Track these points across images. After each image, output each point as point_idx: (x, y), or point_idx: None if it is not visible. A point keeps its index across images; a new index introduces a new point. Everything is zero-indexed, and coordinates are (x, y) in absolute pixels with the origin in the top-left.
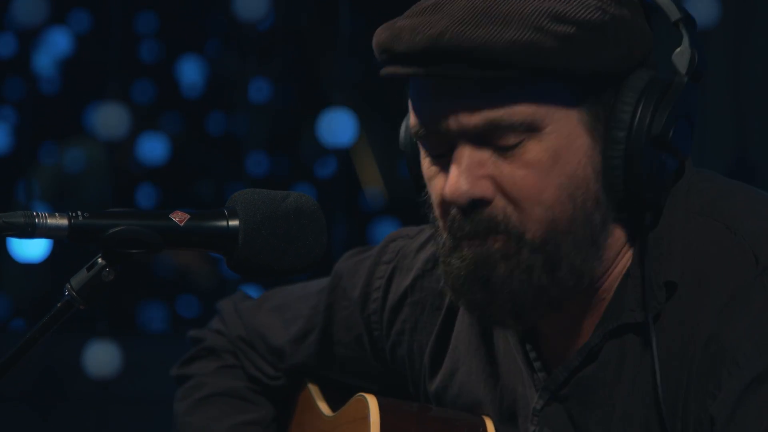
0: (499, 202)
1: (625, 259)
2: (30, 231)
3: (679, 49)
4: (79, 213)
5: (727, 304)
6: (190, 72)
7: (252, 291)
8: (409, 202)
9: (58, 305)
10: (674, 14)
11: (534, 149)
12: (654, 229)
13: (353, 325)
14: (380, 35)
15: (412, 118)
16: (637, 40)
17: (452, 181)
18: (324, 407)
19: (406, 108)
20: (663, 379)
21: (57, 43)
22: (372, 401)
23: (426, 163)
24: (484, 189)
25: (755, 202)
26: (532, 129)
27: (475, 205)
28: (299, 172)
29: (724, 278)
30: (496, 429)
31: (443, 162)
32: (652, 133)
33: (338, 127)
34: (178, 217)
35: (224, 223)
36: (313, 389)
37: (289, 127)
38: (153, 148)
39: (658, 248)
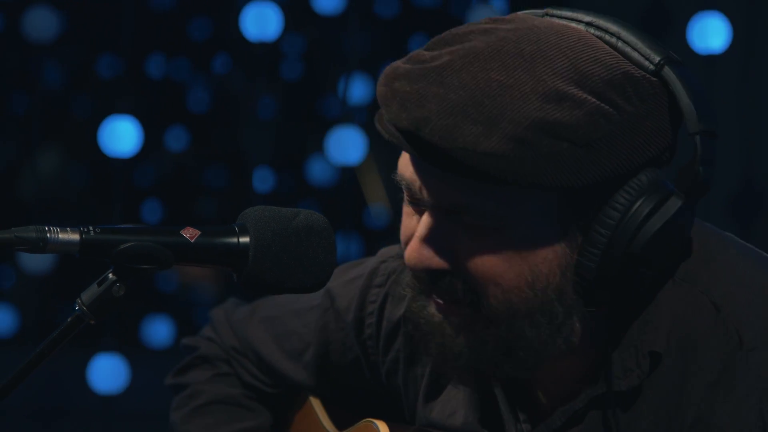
0: (458, 275)
1: (612, 332)
2: (42, 246)
3: (686, 164)
4: (91, 228)
5: (712, 386)
6: (198, 88)
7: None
8: None
9: (69, 320)
10: (693, 126)
11: (498, 237)
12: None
13: (350, 348)
14: (379, 88)
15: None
16: (643, 143)
17: (414, 247)
18: (326, 420)
19: None
20: None
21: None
22: (383, 428)
23: (405, 202)
24: (444, 262)
25: (741, 267)
26: (499, 225)
27: (434, 272)
28: (304, 188)
29: (708, 358)
30: None
31: (416, 209)
32: (630, 250)
33: (347, 144)
34: (189, 233)
35: (235, 239)
36: (314, 400)
37: (296, 144)
38: (159, 163)
39: (644, 315)
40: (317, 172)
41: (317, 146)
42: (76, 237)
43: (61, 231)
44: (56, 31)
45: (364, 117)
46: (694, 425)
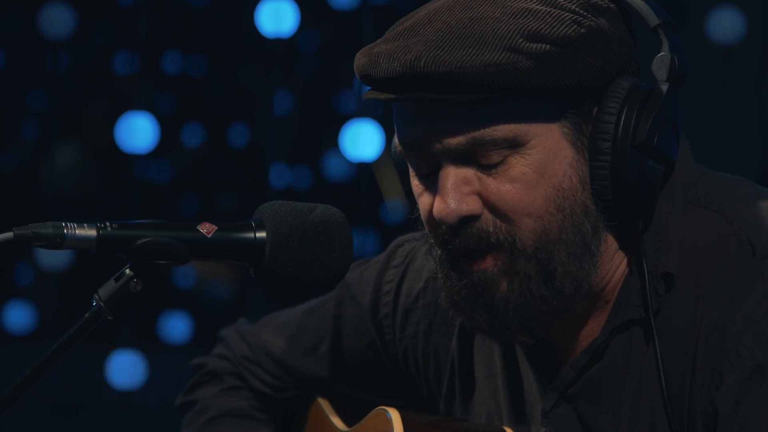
0: (487, 216)
1: (626, 258)
2: (59, 242)
3: (659, 55)
4: (108, 224)
5: (726, 295)
6: (214, 84)
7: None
8: None
9: (86, 315)
10: (653, 20)
11: (518, 164)
12: (651, 224)
13: (364, 333)
14: (359, 61)
15: (396, 139)
16: (615, 49)
17: (440, 201)
18: (337, 421)
19: None
20: (667, 372)
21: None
22: (395, 415)
23: (414, 181)
24: (472, 206)
25: (751, 194)
26: (514, 145)
27: (464, 222)
28: (321, 184)
29: (722, 269)
30: None
31: (430, 180)
32: (636, 141)
33: (363, 140)
34: (206, 229)
35: (251, 234)
36: (323, 402)
37: (312, 139)
38: (176, 159)
39: (655, 242)
40: (333, 167)
41: (333, 141)
42: (93, 233)
43: (78, 227)
44: (72, 28)
45: (380, 112)
46: (710, 334)
